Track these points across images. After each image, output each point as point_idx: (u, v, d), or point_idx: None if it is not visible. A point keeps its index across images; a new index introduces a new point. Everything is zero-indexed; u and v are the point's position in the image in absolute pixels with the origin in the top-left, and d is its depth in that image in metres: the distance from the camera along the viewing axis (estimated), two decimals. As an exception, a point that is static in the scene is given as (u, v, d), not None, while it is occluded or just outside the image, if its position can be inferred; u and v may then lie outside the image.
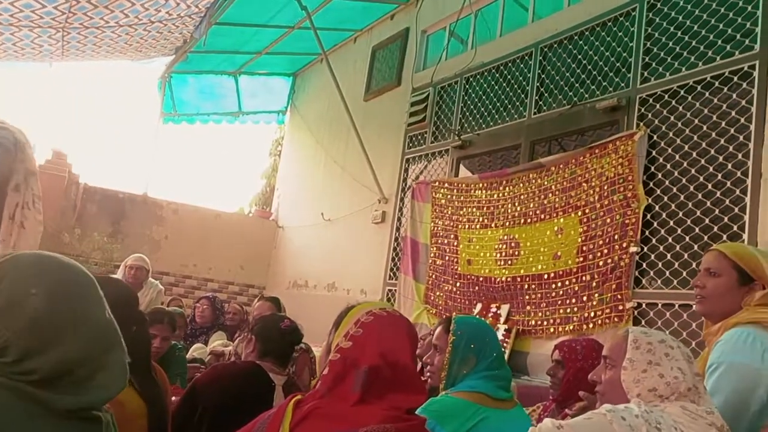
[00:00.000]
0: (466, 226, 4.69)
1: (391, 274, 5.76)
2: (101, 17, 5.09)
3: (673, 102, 3.58)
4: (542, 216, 4.07)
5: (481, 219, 4.58)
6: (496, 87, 4.99)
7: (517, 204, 4.29)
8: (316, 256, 7.32)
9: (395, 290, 5.42)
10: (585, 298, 3.64)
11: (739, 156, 3.21)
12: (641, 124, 3.67)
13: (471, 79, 5.29)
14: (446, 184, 5.01)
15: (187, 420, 2.09)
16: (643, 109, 3.74)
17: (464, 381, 1.74)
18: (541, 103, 4.55)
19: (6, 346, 0.95)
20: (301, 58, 8.33)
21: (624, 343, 1.48)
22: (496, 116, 4.93)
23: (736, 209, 3.16)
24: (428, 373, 1.89)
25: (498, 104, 4.93)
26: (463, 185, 4.83)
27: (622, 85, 3.92)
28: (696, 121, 3.44)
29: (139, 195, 8.07)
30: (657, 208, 3.51)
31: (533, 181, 4.21)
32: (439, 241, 4.93)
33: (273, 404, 2.11)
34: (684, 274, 3.30)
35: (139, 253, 5.50)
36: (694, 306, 1.92)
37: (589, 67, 4.19)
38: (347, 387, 1.28)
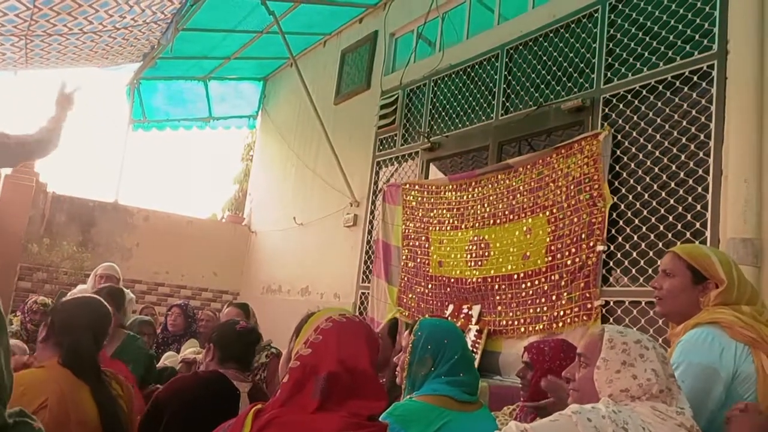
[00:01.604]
0: (437, 228, 4.70)
1: (364, 277, 5.75)
2: (64, 24, 4.99)
3: (636, 102, 3.63)
4: (511, 216, 4.10)
5: (451, 220, 4.60)
6: (464, 89, 5.02)
7: (486, 205, 4.32)
8: (289, 261, 7.28)
9: (368, 293, 5.42)
10: (554, 297, 3.67)
11: (701, 154, 3.27)
12: (605, 124, 3.72)
13: (439, 81, 5.31)
14: (417, 186, 5.03)
15: (152, 432, 2.07)
16: (607, 109, 3.80)
17: (427, 384, 1.74)
18: (508, 104, 4.59)
19: None
20: (271, 63, 8.29)
21: (599, 341, 1.48)
22: (465, 118, 4.96)
23: (699, 206, 3.22)
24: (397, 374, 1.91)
25: (466, 106, 4.96)
26: (434, 187, 4.85)
27: (586, 85, 3.97)
28: (658, 120, 3.50)
29: (109, 203, 7.94)
30: (622, 206, 3.56)
31: (501, 182, 4.24)
32: (411, 244, 4.94)
33: (238, 412, 2.09)
34: (650, 271, 3.35)
35: (109, 261, 5.40)
36: (656, 307, 1.96)
37: (554, 68, 4.23)
38: (307, 394, 1.28)
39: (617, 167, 3.63)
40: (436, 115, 5.29)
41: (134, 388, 2.36)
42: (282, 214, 7.61)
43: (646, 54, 3.63)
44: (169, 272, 8.05)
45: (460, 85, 5.07)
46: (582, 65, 4.02)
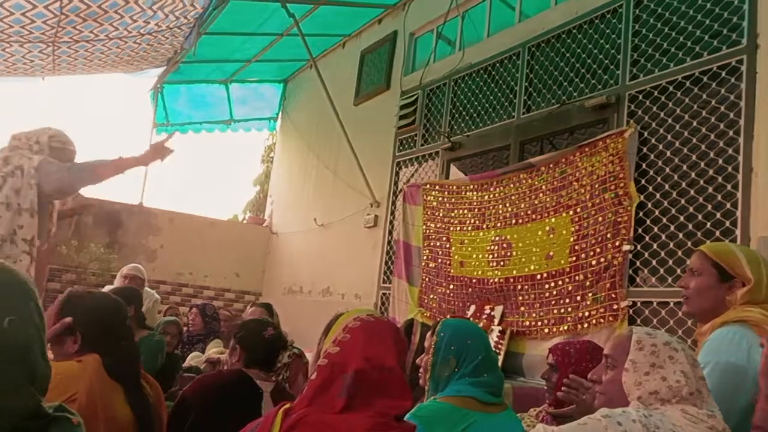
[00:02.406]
0: (458, 228, 4.67)
1: (385, 278, 5.74)
2: (90, 30, 5.08)
3: (663, 98, 3.56)
4: (533, 216, 4.05)
5: (472, 220, 4.56)
6: (485, 88, 4.98)
7: (508, 205, 4.28)
8: (309, 262, 7.30)
9: (389, 294, 5.41)
10: (579, 298, 3.62)
11: (730, 151, 3.19)
12: (631, 121, 3.66)
13: (459, 80, 5.28)
14: (437, 187, 5.00)
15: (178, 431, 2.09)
16: (632, 106, 3.73)
17: (451, 385, 1.72)
18: (529, 102, 4.54)
19: None
20: (291, 65, 8.33)
21: (627, 343, 1.46)
22: (485, 117, 4.92)
23: (728, 204, 3.15)
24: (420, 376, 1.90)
25: (487, 105, 4.92)
26: (454, 187, 4.82)
27: (611, 82, 3.91)
28: (686, 117, 3.42)
29: (134, 205, 8.05)
30: (649, 205, 3.50)
31: (524, 181, 4.19)
32: (432, 244, 4.92)
33: (261, 411, 2.10)
34: (678, 271, 3.28)
35: (135, 263, 5.48)
36: (683, 308, 1.92)
37: (578, 65, 4.18)
38: (334, 393, 1.28)
39: (644, 165, 3.57)
40: (457, 115, 5.26)
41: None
42: (302, 215, 7.64)
43: (673, 49, 3.55)
44: (193, 273, 8.13)
45: (481, 84, 5.03)
46: (606, 62, 3.96)
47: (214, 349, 4.81)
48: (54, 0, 4.34)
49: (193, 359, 4.65)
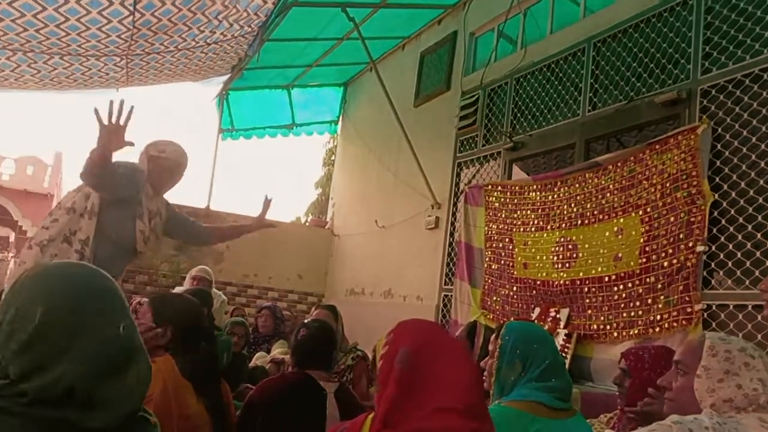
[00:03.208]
0: (521, 229, 4.60)
1: (447, 280, 5.72)
2: (161, 43, 5.30)
3: (738, 92, 3.39)
4: (600, 216, 3.94)
5: (536, 221, 4.48)
6: (548, 86, 4.88)
7: (573, 205, 4.18)
8: (371, 264, 7.36)
9: (451, 295, 5.38)
10: (650, 301, 3.49)
11: (811, 146, 3.02)
12: (704, 116, 3.51)
13: (521, 79, 5.20)
14: (499, 187, 4.94)
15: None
16: (705, 101, 3.57)
17: (517, 390, 1.69)
18: (595, 100, 4.42)
19: (6, 365, 0.92)
20: (351, 68, 8.43)
21: (699, 349, 1.41)
22: (549, 116, 4.83)
23: (810, 202, 2.97)
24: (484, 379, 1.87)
25: (550, 103, 4.83)
26: (517, 188, 4.75)
27: (682, 77, 3.75)
28: (763, 111, 3.25)
29: (201, 209, 8.32)
30: (725, 204, 3.34)
31: (590, 180, 4.09)
32: (494, 245, 4.86)
33: (326, 412, 2.14)
34: (756, 273, 3.12)
35: (202, 264, 5.68)
36: (764, 311, 1.82)
37: (646, 60, 4.04)
38: (393, 379, 1.21)
39: (718, 162, 3.41)
40: (519, 114, 5.18)
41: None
42: (364, 217, 7.70)
43: (748, 41, 3.38)
44: (258, 275, 8.34)
45: (544, 82, 4.94)
46: (676, 56, 3.81)
47: (279, 350, 4.92)
48: (127, 15, 4.55)
49: (259, 359, 4.76)
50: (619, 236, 3.77)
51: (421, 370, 1.20)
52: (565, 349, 3.76)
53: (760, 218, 3.17)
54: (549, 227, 4.34)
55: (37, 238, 2.82)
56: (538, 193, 4.52)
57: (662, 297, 3.43)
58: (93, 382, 0.94)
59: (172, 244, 7.81)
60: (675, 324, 3.34)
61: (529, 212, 4.56)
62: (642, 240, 3.61)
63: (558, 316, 4.04)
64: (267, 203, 3.28)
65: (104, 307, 1.00)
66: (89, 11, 4.42)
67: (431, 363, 1.21)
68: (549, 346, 1.80)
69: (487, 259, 4.93)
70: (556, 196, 4.35)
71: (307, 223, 12.27)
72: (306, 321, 2.57)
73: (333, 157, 11.37)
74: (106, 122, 2.52)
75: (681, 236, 3.39)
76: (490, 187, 5.05)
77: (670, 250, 3.44)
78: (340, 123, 9.35)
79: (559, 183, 4.34)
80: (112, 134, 2.53)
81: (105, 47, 5.23)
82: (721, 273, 3.36)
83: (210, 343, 2.14)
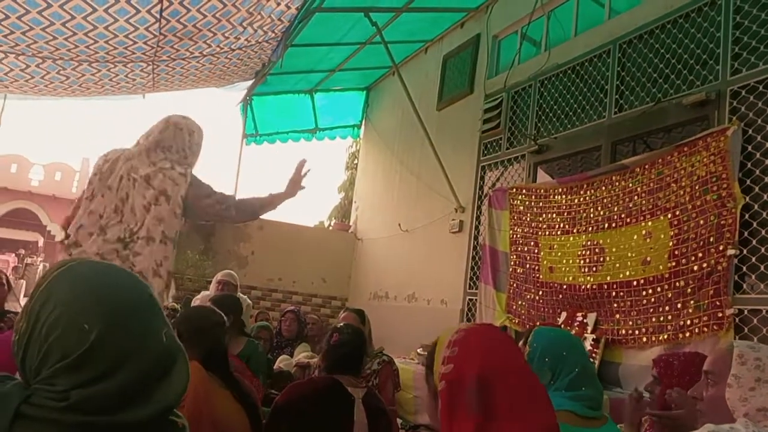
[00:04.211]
0: (547, 233, 4.56)
1: (471, 284, 5.69)
2: (186, 49, 5.38)
3: (769, 93, 3.33)
4: (628, 220, 3.89)
5: (561, 225, 4.44)
6: (573, 88, 4.84)
7: (599, 208, 4.13)
8: (395, 268, 7.35)
9: (476, 300, 5.35)
10: (679, 306, 3.43)
11: None
12: (734, 118, 3.44)
13: (546, 81, 5.16)
14: (524, 191, 4.90)
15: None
16: (735, 102, 3.51)
17: (547, 398, 1.67)
18: (621, 101, 4.37)
19: (54, 375, 0.91)
20: (374, 72, 8.45)
21: (728, 357, 1.38)
22: (574, 118, 4.78)
23: None
24: None
25: (575, 105, 4.78)
26: (542, 191, 4.71)
27: (710, 78, 3.69)
28: (796, 111, 3.19)
29: (226, 213, 8.40)
30: (756, 206, 3.27)
31: (616, 183, 4.03)
32: (519, 249, 4.82)
33: (354, 418, 2.13)
34: (790, 277, 3.05)
35: (227, 269, 5.73)
36: None
37: (673, 61, 3.98)
38: (463, 413, 1.09)
39: (749, 164, 3.34)
40: (543, 117, 5.15)
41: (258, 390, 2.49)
42: (387, 221, 7.71)
43: (780, 40, 3.32)
44: (282, 279, 8.40)
45: (569, 84, 4.90)
46: (704, 56, 3.75)
47: (303, 353, 4.94)
48: (153, 22, 4.63)
49: (282, 362, 4.79)
50: (648, 240, 3.72)
51: (496, 402, 1.07)
52: (593, 355, 3.72)
53: (793, 221, 3.10)
54: (575, 231, 4.30)
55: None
56: (563, 196, 4.47)
57: (692, 301, 3.37)
58: (139, 390, 0.95)
59: (197, 249, 7.91)
60: (705, 329, 3.27)
61: (554, 215, 4.52)
62: (671, 243, 3.55)
63: (585, 320, 3.99)
64: (301, 164, 3.00)
65: (149, 320, 1.00)
66: (117, 19, 4.51)
67: (506, 391, 1.09)
68: (579, 352, 1.77)
69: (512, 262, 4.89)
70: (582, 199, 4.30)
71: (330, 227, 12.33)
72: (338, 326, 2.57)
73: (356, 161, 11.41)
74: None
75: (711, 240, 3.33)
76: (514, 190, 5.02)
77: (700, 254, 3.38)
78: (362, 127, 9.38)
79: (585, 186, 4.29)
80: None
81: (132, 54, 5.32)
82: (753, 277, 3.28)
83: (219, 346, 2.15)
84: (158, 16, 4.53)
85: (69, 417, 0.89)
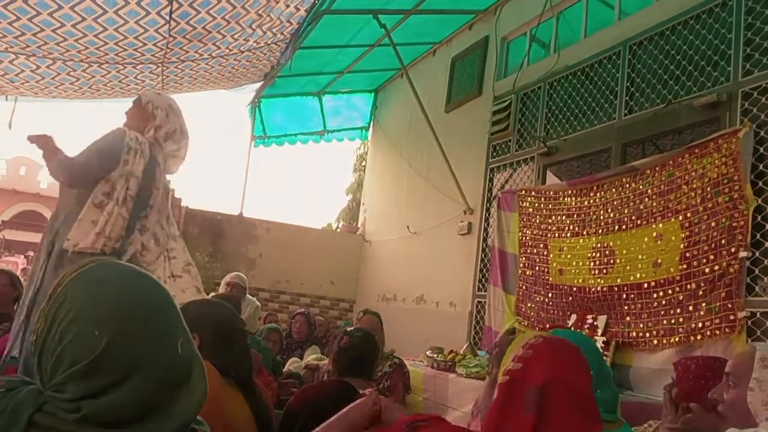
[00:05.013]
0: (556, 235, 4.54)
1: (480, 286, 5.67)
2: (196, 50, 5.40)
3: (781, 94, 3.31)
4: (639, 222, 3.86)
5: (571, 227, 4.42)
6: (583, 90, 4.82)
7: (610, 210, 4.11)
8: (403, 270, 7.35)
9: (485, 302, 5.33)
10: (691, 308, 3.41)
11: None
12: (745, 119, 3.42)
13: (555, 83, 5.15)
14: (533, 193, 4.89)
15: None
16: (746, 104, 3.48)
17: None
18: (632, 103, 4.35)
19: (65, 381, 0.90)
20: (382, 74, 8.46)
21: (750, 360, 1.37)
22: (584, 120, 4.77)
23: None
24: None
25: (585, 107, 4.77)
26: (551, 193, 4.69)
27: (722, 79, 3.67)
28: (809, 113, 3.16)
29: (234, 215, 8.44)
30: (768, 208, 3.25)
31: (627, 185, 4.01)
32: (528, 251, 4.81)
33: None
34: (804, 279, 3.03)
35: (236, 271, 5.75)
36: None
37: (684, 62, 3.96)
38: (518, 410, 1.15)
39: (761, 166, 3.31)
40: (553, 119, 5.13)
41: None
42: (395, 223, 7.70)
43: (793, 41, 3.29)
44: (290, 281, 8.40)
45: (578, 85, 4.88)
46: (716, 58, 3.73)
47: (313, 356, 4.95)
48: (163, 23, 4.65)
49: (292, 365, 4.80)
50: (659, 242, 3.70)
51: (551, 411, 1.12)
52: (604, 357, 3.69)
53: (806, 223, 3.07)
54: (585, 233, 4.28)
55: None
56: (573, 198, 4.46)
57: (704, 304, 3.35)
58: (152, 401, 0.93)
59: (206, 251, 7.94)
60: (717, 332, 3.25)
61: (564, 218, 4.50)
62: (682, 246, 3.53)
63: (595, 323, 3.97)
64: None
65: (164, 326, 0.98)
66: (127, 21, 4.53)
67: (563, 403, 1.14)
68: (594, 356, 1.75)
69: (521, 265, 4.88)
70: (591, 201, 4.28)
71: (338, 230, 12.33)
72: (348, 329, 2.58)
73: (364, 163, 11.41)
74: None
75: (723, 242, 3.31)
76: (523, 192, 5.00)
77: (712, 256, 3.35)
78: (370, 129, 9.39)
79: (594, 188, 4.27)
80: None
81: (141, 55, 5.35)
82: (766, 280, 3.26)
83: (243, 343, 2.15)
84: (168, 17, 4.55)
85: (84, 428, 0.88)
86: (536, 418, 1.09)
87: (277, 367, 4.23)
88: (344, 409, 1.75)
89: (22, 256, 22.02)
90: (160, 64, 5.76)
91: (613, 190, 4.11)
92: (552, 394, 1.12)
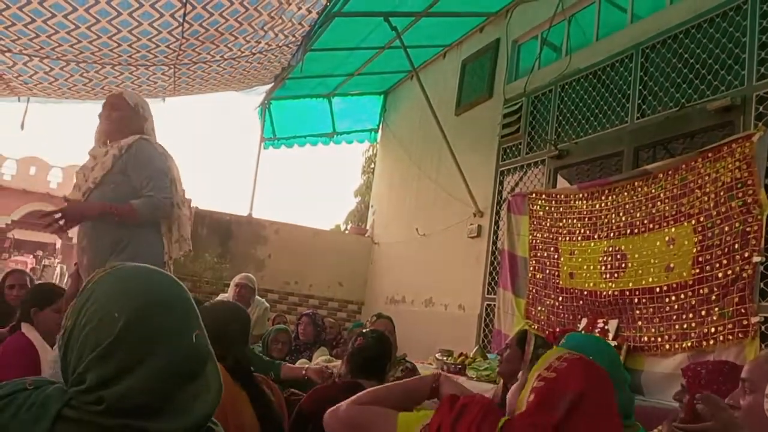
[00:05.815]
0: (567, 238, 4.53)
1: (489, 289, 5.66)
2: (208, 52, 5.43)
3: (796, 98, 3.29)
4: (651, 226, 3.85)
5: (582, 230, 4.40)
6: (594, 93, 4.81)
7: (621, 214, 4.10)
8: (412, 272, 7.33)
9: (494, 305, 5.32)
10: (704, 313, 3.39)
11: None
12: (759, 123, 3.40)
13: (566, 86, 5.14)
14: (543, 196, 4.87)
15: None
16: (761, 108, 3.47)
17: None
18: (644, 107, 4.33)
19: (85, 369, 0.93)
20: (392, 77, 8.46)
21: (766, 365, 1.37)
22: (595, 123, 4.75)
23: None
24: None
25: (597, 111, 4.75)
26: (562, 196, 4.68)
27: (736, 83, 3.65)
28: (824, 117, 3.14)
29: (243, 216, 8.46)
30: (783, 213, 3.22)
31: (639, 189, 4.00)
32: (539, 254, 4.79)
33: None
34: (818, 285, 3.00)
35: (245, 272, 5.75)
36: None
37: (697, 66, 3.94)
38: (551, 410, 1.22)
39: (775, 171, 3.30)
40: (564, 122, 5.12)
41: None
42: (404, 225, 7.70)
43: (808, 45, 3.27)
44: (299, 282, 8.41)
45: (590, 89, 4.87)
46: (729, 61, 3.71)
47: (322, 357, 4.94)
48: (176, 26, 4.68)
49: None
50: (671, 246, 3.68)
51: (575, 419, 1.20)
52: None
53: (821, 228, 3.05)
54: (596, 236, 4.26)
55: None
56: (584, 201, 4.44)
57: (717, 309, 3.33)
58: (168, 391, 0.96)
59: (215, 252, 7.96)
60: (730, 337, 3.23)
61: (575, 221, 4.49)
62: (695, 250, 3.51)
63: (606, 327, 3.95)
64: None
65: (180, 317, 1.01)
66: (140, 23, 4.56)
67: (587, 416, 1.22)
68: (610, 360, 1.75)
69: (531, 268, 4.86)
70: (603, 204, 4.27)
71: (346, 231, 12.33)
72: (363, 330, 2.57)
73: (373, 165, 11.42)
74: None
75: (736, 246, 3.29)
76: (534, 195, 4.99)
77: (725, 261, 3.34)
78: (380, 131, 9.39)
79: (606, 191, 4.26)
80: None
81: (154, 57, 5.37)
82: (780, 285, 3.24)
83: (241, 347, 2.15)
84: (181, 20, 4.57)
85: (109, 420, 0.91)
86: (564, 416, 1.17)
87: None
88: (405, 380, 1.78)
89: (31, 256, 22.17)
90: (172, 66, 5.79)
91: (625, 193, 4.10)
92: (584, 402, 1.20)
